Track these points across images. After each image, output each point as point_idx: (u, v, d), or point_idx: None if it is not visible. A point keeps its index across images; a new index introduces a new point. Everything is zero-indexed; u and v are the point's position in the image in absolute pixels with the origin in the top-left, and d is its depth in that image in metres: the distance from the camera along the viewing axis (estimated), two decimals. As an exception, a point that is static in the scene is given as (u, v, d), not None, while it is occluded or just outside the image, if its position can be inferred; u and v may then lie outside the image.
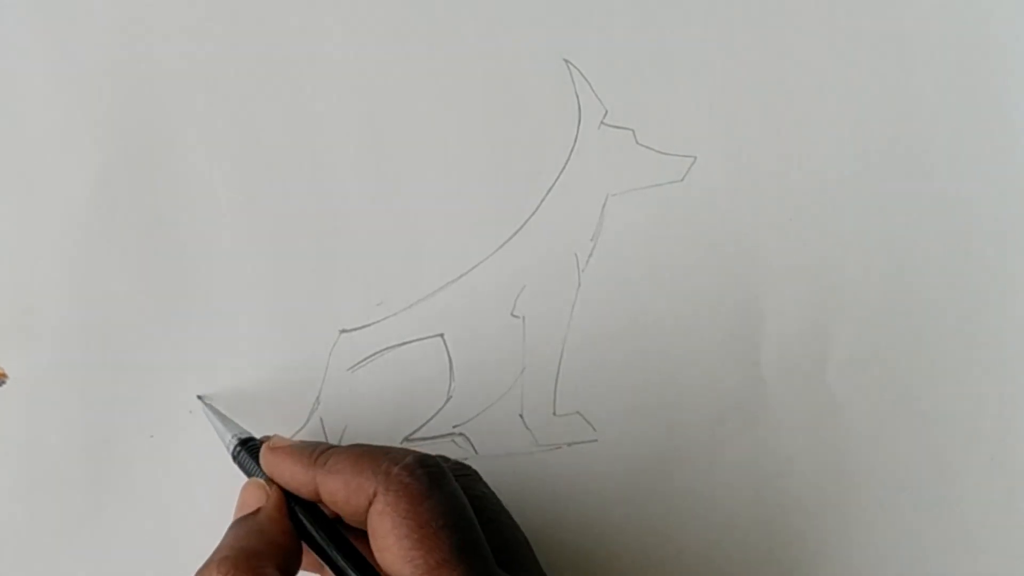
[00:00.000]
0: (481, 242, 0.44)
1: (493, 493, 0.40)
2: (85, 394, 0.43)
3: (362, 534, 0.37)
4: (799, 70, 0.46)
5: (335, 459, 0.37)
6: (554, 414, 0.44)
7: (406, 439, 0.44)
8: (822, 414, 0.45)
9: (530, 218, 0.44)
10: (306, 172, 0.44)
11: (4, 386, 0.43)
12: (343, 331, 0.44)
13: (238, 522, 0.38)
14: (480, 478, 0.40)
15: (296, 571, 0.37)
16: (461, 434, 0.44)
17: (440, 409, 0.44)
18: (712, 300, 0.45)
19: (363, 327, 0.44)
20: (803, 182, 0.45)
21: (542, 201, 0.45)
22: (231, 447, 0.41)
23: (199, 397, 0.43)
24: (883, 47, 0.46)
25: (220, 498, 0.43)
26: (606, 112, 0.45)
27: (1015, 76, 0.46)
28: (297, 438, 0.43)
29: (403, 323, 0.44)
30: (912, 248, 0.45)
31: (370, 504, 0.36)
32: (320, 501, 0.38)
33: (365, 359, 0.44)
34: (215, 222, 0.44)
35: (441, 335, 0.44)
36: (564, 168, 0.45)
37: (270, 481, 0.39)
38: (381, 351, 0.44)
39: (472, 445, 0.44)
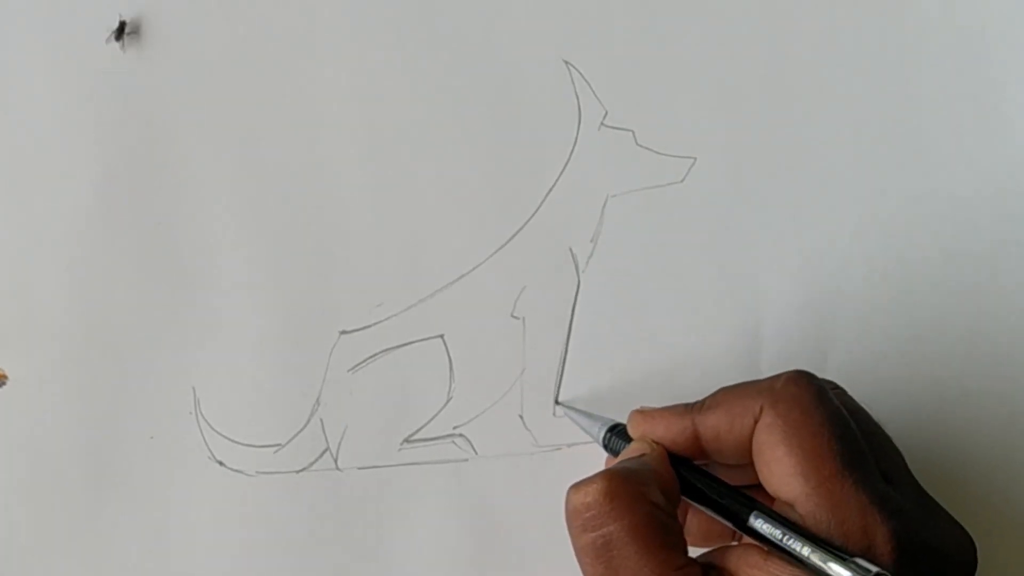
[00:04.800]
0: (481, 242, 0.44)
1: (864, 408, 0.39)
2: (85, 394, 0.43)
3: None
4: (799, 70, 0.46)
5: (711, 399, 0.38)
6: (554, 415, 0.44)
7: (406, 440, 0.44)
8: (823, 414, 0.45)
9: (530, 218, 0.44)
10: (306, 173, 0.44)
11: (4, 387, 0.43)
12: (343, 332, 0.44)
13: (623, 460, 0.38)
14: (848, 394, 0.40)
15: (676, 504, 0.37)
16: (461, 435, 0.44)
17: (440, 409, 0.44)
18: (712, 300, 0.45)
19: (363, 328, 0.44)
20: (803, 182, 0.45)
21: (542, 201, 0.45)
22: (600, 436, 0.41)
23: (558, 403, 0.44)
24: (883, 47, 0.46)
25: (219, 498, 0.43)
26: (606, 113, 0.45)
27: (1015, 76, 0.46)
28: (297, 439, 0.43)
29: (403, 324, 0.44)
30: (912, 248, 0.45)
31: (756, 423, 0.36)
32: (696, 455, 0.38)
33: (365, 360, 0.44)
34: (215, 223, 0.44)
35: (441, 336, 0.44)
36: (564, 169, 0.45)
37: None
38: (381, 352, 0.44)
39: (472, 445, 0.44)
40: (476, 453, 0.44)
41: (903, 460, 0.39)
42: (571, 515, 0.36)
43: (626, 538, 0.35)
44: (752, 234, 0.45)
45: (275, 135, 0.44)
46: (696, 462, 0.38)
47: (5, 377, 0.43)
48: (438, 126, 0.45)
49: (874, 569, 0.33)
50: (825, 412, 0.35)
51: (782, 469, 0.35)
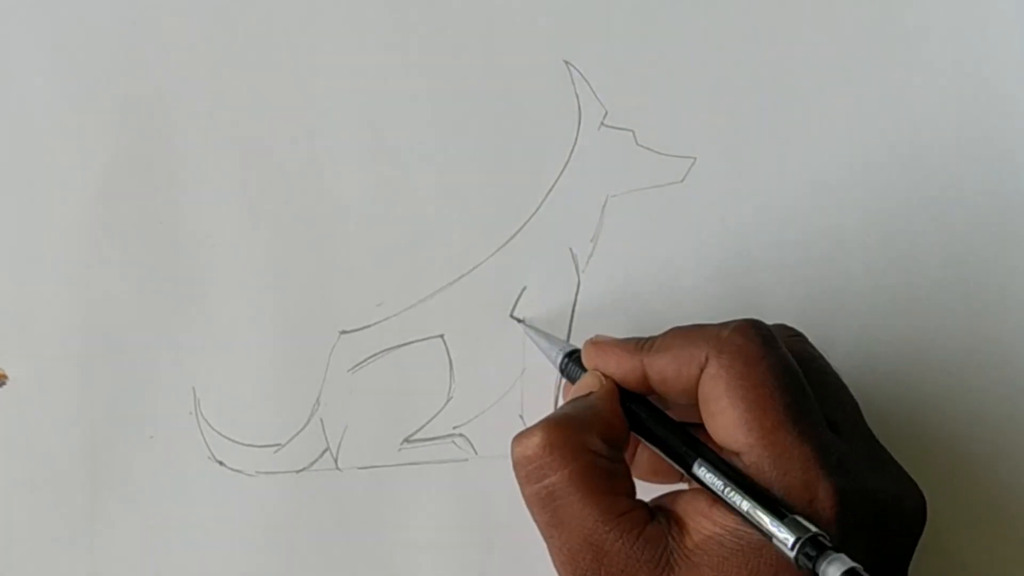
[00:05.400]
0: (481, 242, 0.44)
1: (822, 355, 0.39)
2: (85, 394, 0.43)
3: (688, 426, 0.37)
4: (799, 70, 0.46)
5: (661, 340, 0.37)
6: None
7: (406, 440, 0.44)
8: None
9: (530, 218, 0.44)
10: (306, 173, 0.44)
11: (4, 387, 0.43)
12: (343, 332, 0.44)
13: (570, 400, 0.38)
14: (808, 340, 0.39)
15: (622, 447, 0.38)
16: (461, 435, 0.44)
17: (440, 409, 0.44)
18: (712, 300, 0.45)
19: (363, 328, 0.44)
20: (803, 182, 0.45)
21: (542, 201, 0.45)
22: (558, 361, 0.41)
23: (519, 320, 0.44)
24: (883, 47, 0.46)
25: (219, 498, 0.43)
26: (606, 113, 0.45)
27: (1015, 76, 0.46)
28: (297, 439, 0.43)
29: (403, 324, 0.44)
30: (912, 248, 0.45)
31: (702, 371, 0.35)
32: (646, 391, 0.38)
33: (365, 360, 0.44)
34: (216, 223, 0.44)
35: (441, 336, 0.44)
36: (564, 169, 0.45)
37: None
38: (381, 352, 0.44)
39: (472, 445, 0.44)
40: (476, 453, 0.44)
41: (857, 410, 0.39)
42: (515, 467, 0.36)
43: (568, 487, 0.35)
44: (752, 234, 0.45)
45: (275, 135, 0.44)
46: (649, 397, 0.38)
47: (5, 377, 0.43)
48: (438, 125, 0.45)
49: (812, 529, 0.33)
50: (770, 363, 0.35)
51: (726, 420, 0.35)
